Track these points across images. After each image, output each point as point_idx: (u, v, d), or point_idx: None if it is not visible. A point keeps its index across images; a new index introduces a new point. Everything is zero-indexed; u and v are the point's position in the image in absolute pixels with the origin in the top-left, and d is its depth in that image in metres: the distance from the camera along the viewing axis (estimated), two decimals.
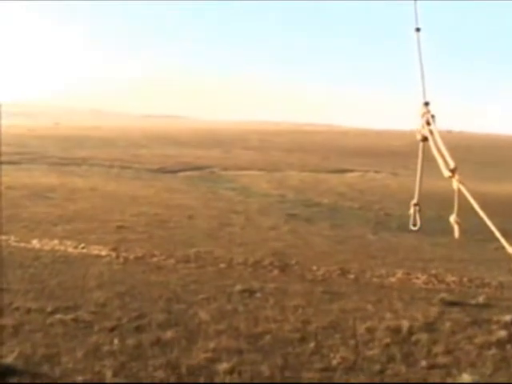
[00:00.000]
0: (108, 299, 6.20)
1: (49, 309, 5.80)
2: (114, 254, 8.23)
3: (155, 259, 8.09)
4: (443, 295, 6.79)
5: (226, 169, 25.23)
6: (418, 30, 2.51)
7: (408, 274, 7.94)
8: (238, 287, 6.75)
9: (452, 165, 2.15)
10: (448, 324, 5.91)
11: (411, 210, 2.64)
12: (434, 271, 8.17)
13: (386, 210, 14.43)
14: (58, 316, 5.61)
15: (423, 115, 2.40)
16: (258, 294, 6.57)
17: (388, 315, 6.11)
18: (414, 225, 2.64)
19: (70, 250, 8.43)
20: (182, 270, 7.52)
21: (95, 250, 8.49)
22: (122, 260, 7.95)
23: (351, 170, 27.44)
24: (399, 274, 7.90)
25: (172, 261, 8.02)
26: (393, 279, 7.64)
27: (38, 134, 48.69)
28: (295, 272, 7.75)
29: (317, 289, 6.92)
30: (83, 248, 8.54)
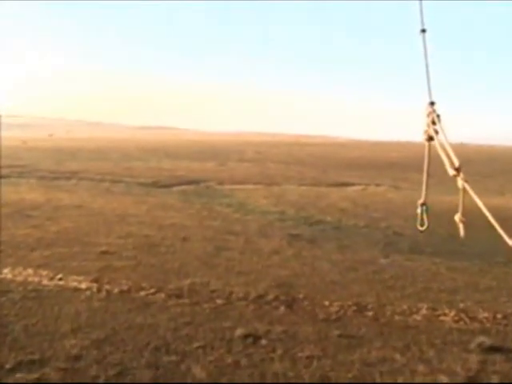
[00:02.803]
0: (83, 349, 5.14)
1: (9, 364, 4.73)
2: (95, 287, 7.16)
3: (142, 293, 7.02)
4: (480, 339, 5.75)
5: (221, 183, 24.16)
6: (423, 31, 2.46)
7: (433, 309, 6.90)
8: (240, 331, 5.69)
9: (457, 164, 2.18)
10: (495, 378, 4.89)
11: (418, 210, 2.66)
12: (461, 305, 7.14)
13: (394, 228, 13.41)
14: (19, 375, 4.55)
15: (429, 115, 2.41)
16: (264, 341, 5.51)
17: (421, 368, 5.08)
18: (422, 225, 2.64)
19: (45, 281, 7.35)
20: (174, 308, 6.45)
21: (74, 281, 7.41)
22: (103, 294, 6.88)
23: (351, 184, 26.43)
24: (423, 309, 6.87)
25: (162, 295, 6.96)
26: (417, 317, 6.60)
27: (31, 146, 47.62)
28: (305, 309, 6.69)
29: (332, 332, 5.87)
30: (60, 279, 7.47)
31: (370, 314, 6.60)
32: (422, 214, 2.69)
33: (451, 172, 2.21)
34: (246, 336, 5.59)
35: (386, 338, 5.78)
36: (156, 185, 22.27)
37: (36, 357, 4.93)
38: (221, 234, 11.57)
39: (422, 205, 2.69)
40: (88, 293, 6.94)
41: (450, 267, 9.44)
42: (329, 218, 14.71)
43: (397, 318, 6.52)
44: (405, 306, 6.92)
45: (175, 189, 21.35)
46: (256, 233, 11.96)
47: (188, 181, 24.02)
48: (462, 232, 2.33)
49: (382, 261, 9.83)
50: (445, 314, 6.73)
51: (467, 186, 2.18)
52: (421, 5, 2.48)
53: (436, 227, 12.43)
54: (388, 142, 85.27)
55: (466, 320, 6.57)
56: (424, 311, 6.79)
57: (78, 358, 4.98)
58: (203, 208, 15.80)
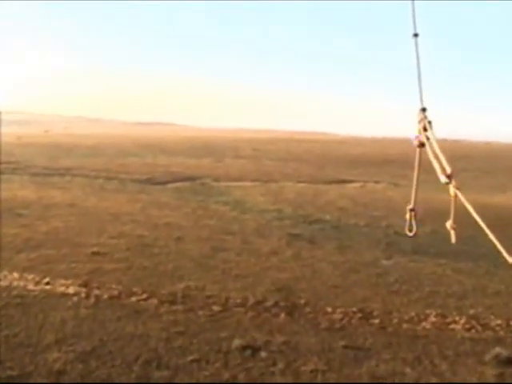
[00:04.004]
0: (67, 363, 4.73)
1: None
2: (83, 292, 6.74)
3: (134, 299, 6.60)
4: (496, 350, 5.35)
5: (217, 179, 23.75)
6: (415, 35, 2.45)
7: (442, 316, 6.51)
8: (237, 342, 5.27)
9: (449, 171, 2.18)
10: None
11: (407, 216, 2.62)
12: (471, 311, 6.75)
13: (395, 227, 13.01)
14: None
15: (420, 121, 2.41)
16: (263, 353, 5.10)
17: (433, 382, 4.69)
18: (410, 230, 2.63)
19: (31, 286, 6.92)
20: (166, 316, 6.03)
21: (61, 286, 6.99)
22: (92, 301, 6.45)
23: (350, 181, 26.07)
24: (432, 316, 6.47)
25: (154, 301, 6.53)
26: (426, 325, 6.20)
27: (26, 142, 47.07)
28: (306, 316, 6.28)
29: (336, 343, 5.46)
30: (47, 284, 7.04)
31: (376, 321, 6.20)
32: (410, 219, 2.66)
33: (443, 179, 2.20)
34: (244, 347, 5.18)
35: (394, 350, 5.38)
36: (151, 181, 21.84)
37: (15, 372, 4.52)
38: (217, 233, 11.15)
39: (411, 210, 2.66)
40: (75, 299, 6.51)
41: (455, 269, 9.07)
42: (328, 217, 14.33)
43: (405, 326, 6.13)
44: (412, 313, 6.53)
45: (170, 186, 20.92)
46: (253, 232, 11.55)
47: (183, 177, 23.59)
48: (453, 239, 2.30)
49: (385, 262, 9.45)
50: (455, 322, 6.34)
51: (459, 194, 2.16)
52: (413, 9, 2.46)
53: (438, 227, 12.03)
54: (386, 138, 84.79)
55: (478, 328, 6.18)
56: (433, 318, 6.40)
57: (61, 373, 4.57)
58: (199, 206, 15.38)
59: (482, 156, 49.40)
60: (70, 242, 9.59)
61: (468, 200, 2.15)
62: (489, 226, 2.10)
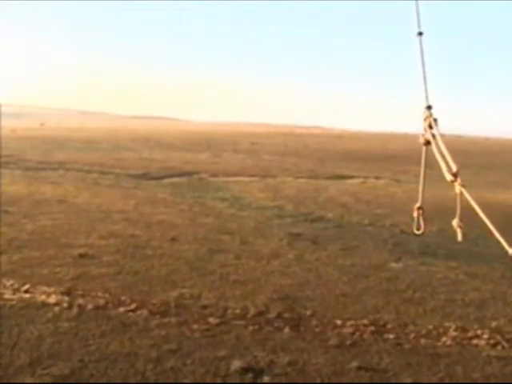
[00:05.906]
0: None
1: None
2: (65, 302, 6.07)
3: (121, 309, 5.94)
4: None
5: (215, 175, 23.08)
6: (420, 34, 2.45)
7: (463, 329, 5.88)
8: (237, 364, 4.63)
9: (454, 168, 2.17)
10: None
11: (415, 214, 2.61)
12: (493, 323, 6.13)
13: (401, 226, 12.40)
14: None
15: (426, 119, 2.41)
16: (266, 378, 4.47)
17: None
18: (418, 229, 2.60)
19: (8, 294, 6.25)
20: (157, 330, 5.38)
21: (42, 293, 6.32)
22: (75, 312, 5.79)
23: (350, 176, 25.44)
24: (452, 329, 5.85)
25: (144, 312, 5.88)
26: (447, 340, 5.57)
27: (20, 135, 46.19)
28: (313, 330, 5.63)
29: (349, 363, 4.82)
30: (26, 291, 6.37)
31: (391, 336, 5.56)
32: (418, 218, 2.62)
33: (449, 177, 2.18)
34: (244, 370, 4.55)
35: (415, 371, 4.76)
36: (146, 176, 21.16)
37: None
38: (214, 233, 10.48)
39: (419, 208, 2.61)
40: (57, 309, 5.85)
41: (469, 273, 8.47)
42: (330, 215, 13.70)
43: (423, 341, 5.49)
44: (430, 326, 5.89)
45: (166, 181, 20.24)
46: (253, 232, 10.89)
47: (180, 172, 22.90)
48: (459, 237, 2.24)
49: (394, 265, 8.83)
50: (477, 336, 5.71)
51: (465, 192, 2.13)
52: (417, 7, 2.45)
53: (444, 225, 11.41)
54: (384, 133, 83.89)
55: (504, 344, 5.56)
56: (453, 332, 5.77)
57: None
58: (195, 203, 14.72)
59: (481, 152, 48.79)
60: (56, 242, 8.92)
61: (471, 197, 2.11)
62: (496, 225, 2.00)
